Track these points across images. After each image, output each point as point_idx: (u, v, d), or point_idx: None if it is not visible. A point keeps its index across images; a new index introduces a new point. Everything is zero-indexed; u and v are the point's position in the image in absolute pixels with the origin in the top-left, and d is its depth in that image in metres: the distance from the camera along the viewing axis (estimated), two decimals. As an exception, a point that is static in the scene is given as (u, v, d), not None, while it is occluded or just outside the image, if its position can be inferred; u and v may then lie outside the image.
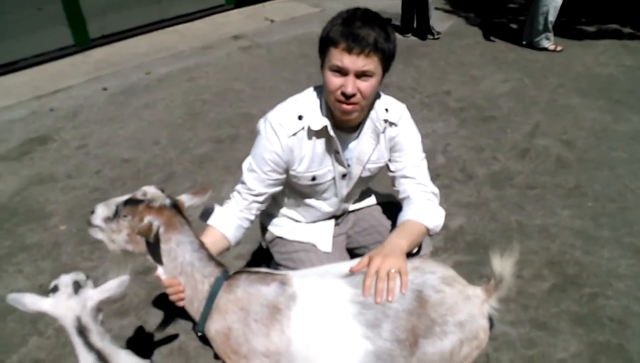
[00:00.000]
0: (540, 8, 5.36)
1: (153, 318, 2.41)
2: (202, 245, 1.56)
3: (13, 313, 2.48)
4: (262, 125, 1.76)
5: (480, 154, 3.73)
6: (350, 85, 1.55)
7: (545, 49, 5.56)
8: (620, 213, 3.02)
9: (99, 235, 1.56)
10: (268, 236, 2.08)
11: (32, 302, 1.53)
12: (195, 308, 1.54)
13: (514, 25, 6.53)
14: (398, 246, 1.58)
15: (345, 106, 1.61)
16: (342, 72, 1.55)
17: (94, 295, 1.58)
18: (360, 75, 1.55)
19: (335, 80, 1.57)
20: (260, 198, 1.80)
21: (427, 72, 5.22)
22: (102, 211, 1.54)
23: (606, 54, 5.53)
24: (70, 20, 5.82)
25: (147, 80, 5.21)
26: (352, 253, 2.15)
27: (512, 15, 6.95)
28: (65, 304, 1.55)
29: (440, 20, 6.50)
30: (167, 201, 1.54)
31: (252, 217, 1.84)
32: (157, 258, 1.52)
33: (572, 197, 3.19)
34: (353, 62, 1.53)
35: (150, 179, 3.55)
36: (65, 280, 1.57)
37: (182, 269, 1.52)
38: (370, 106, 1.74)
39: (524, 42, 5.73)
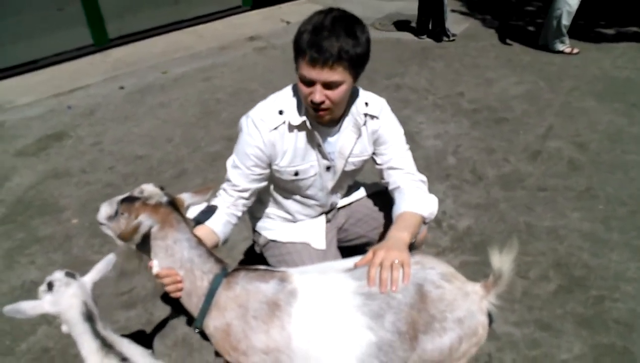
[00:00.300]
0: (554, 12, 5.31)
1: (159, 310, 2.44)
2: (200, 242, 1.57)
3: (24, 303, 2.54)
4: (244, 121, 1.79)
5: (492, 155, 3.71)
6: (318, 94, 1.59)
7: (561, 52, 5.51)
8: (631, 217, 2.98)
9: (107, 232, 1.59)
10: (261, 240, 2.10)
11: (31, 307, 1.56)
12: (194, 304, 1.56)
13: (531, 28, 6.47)
14: (400, 239, 1.60)
15: (317, 113, 1.65)
16: (309, 82, 1.59)
17: (88, 279, 1.63)
18: (328, 85, 1.58)
19: (304, 89, 1.61)
20: (246, 194, 1.83)
21: (441, 73, 5.20)
22: (105, 210, 1.57)
23: (624, 57, 5.45)
24: (89, 20, 5.92)
25: (164, 79, 5.28)
26: (351, 246, 2.18)
27: (530, 18, 6.90)
28: (68, 293, 1.59)
29: (456, 23, 6.48)
30: (164, 199, 1.54)
31: (239, 214, 1.86)
32: (153, 255, 1.54)
33: (582, 199, 3.16)
34: (318, 74, 1.55)
35: (163, 176, 3.60)
36: (58, 275, 1.61)
37: (181, 265, 1.53)
38: (350, 102, 1.77)
39: (540, 43, 5.69)
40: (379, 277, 1.46)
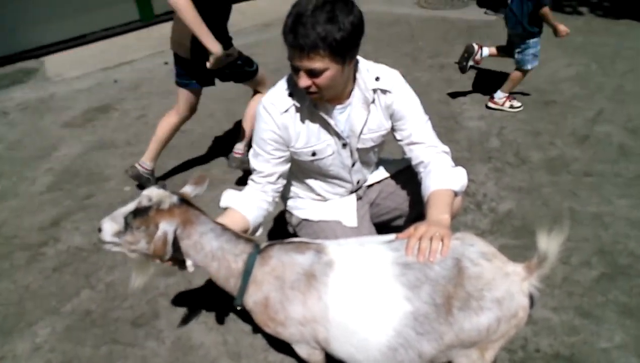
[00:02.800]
0: None
1: (198, 279, 2.50)
2: (224, 228, 1.59)
3: (70, 266, 2.65)
4: (258, 109, 1.81)
5: (537, 138, 3.60)
6: (302, 80, 1.59)
7: None
8: (683, 206, 2.84)
9: (115, 249, 1.57)
10: (294, 220, 2.13)
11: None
12: (232, 285, 1.59)
13: (582, 9, 6.20)
14: (442, 220, 1.59)
15: (309, 96, 1.67)
16: (294, 68, 1.60)
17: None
18: (311, 72, 1.57)
19: (293, 74, 1.64)
20: (272, 179, 1.85)
21: (487, 54, 5.06)
22: (110, 227, 1.53)
23: (684, 39, 5.17)
24: (136, -4, 6.04)
25: (207, 55, 5.33)
26: (385, 220, 2.18)
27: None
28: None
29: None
30: (175, 198, 1.53)
31: (270, 199, 1.88)
32: (185, 255, 1.55)
33: (632, 186, 3.03)
34: (299, 61, 1.55)
35: (203, 150, 3.66)
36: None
37: (213, 256, 1.55)
38: (357, 77, 1.76)
39: None
40: (417, 248, 1.45)
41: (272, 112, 1.76)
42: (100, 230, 1.55)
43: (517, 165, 3.31)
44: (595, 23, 5.67)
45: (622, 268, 2.44)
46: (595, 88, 4.28)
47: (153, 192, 1.53)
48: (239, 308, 1.61)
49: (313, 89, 1.62)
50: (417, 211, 2.04)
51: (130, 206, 1.53)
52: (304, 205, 2.09)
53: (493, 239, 2.65)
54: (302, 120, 1.79)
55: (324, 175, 1.97)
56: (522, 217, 2.84)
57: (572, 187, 3.06)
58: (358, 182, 2.06)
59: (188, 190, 1.65)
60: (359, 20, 1.57)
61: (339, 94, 1.76)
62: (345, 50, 1.56)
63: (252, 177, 1.88)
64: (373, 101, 1.81)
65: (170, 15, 6.41)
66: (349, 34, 1.53)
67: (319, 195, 2.05)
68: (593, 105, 3.99)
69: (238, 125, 3.96)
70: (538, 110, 3.98)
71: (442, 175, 1.75)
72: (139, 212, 1.50)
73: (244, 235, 1.64)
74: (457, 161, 1.90)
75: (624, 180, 3.10)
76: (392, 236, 1.56)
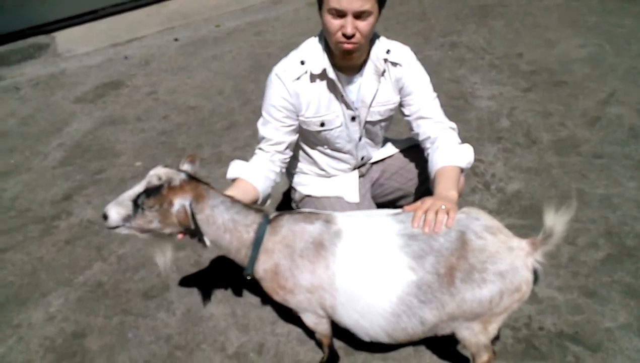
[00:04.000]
0: None
1: (208, 252, 2.54)
2: (234, 200, 1.61)
3: (82, 239, 2.70)
4: (269, 77, 1.83)
5: (548, 119, 3.58)
6: (350, 25, 1.60)
7: None
8: (693, 189, 2.83)
9: (125, 232, 1.55)
10: (297, 196, 2.15)
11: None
12: (243, 255, 1.62)
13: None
14: (449, 196, 1.62)
15: (346, 45, 1.66)
16: (340, 14, 1.59)
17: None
18: (358, 15, 1.59)
19: (334, 22, 1.62)
20: (280, 148, 1.86)
21: (500, 32, 5.00)
22: (117, 212, 1.51)
23: (701, 21, 5.07)
24: (147, -29, 6.01)
25: (217, 32, 5.32)
26: (389, 200, 2.21)
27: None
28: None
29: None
30: (183, 175, 1.54)
31: (277, 169, 1.90)
32: (199, 229, 1.55)
33: (641, 168, 3.03)
34: (350, 3, 1.57)
35: (214, 127, 3.68)
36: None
37: (225, 228, 1.57)
38: (370, 48, 1.79)
39: None
40: (423, 219, 1.48)
41: (285, 79, 1.78)
42: (105, 217, 1.52)
43: (527, 146, 3.30)
44: (611, 3, 5.56)
45: (629, 249, 2.44)
46: (607, 69, 4.22)
47: (161, 171, 1.54)
48: (248, 277, 1.65)
49: (356, 38, 1.64)
50: (421, 191, 2.07)
51: (137, 188, 1.52)
52: (308, 181, 2.11)
53: (500, 219, 2.61)
54: (314, 89, 1.80)
55: (330, 148, 1.98)
56: (531, 197, 2.84)
57: (582, 168, 3.06)
58: (362, 159, 2.08)
59: (187, 167, 1.66)
60: None
61: (359, 59, 1.78)
62: None
63: (261, 145, 1.89)
64: (383, 73, 1.83)
65: (180, -9, 6.40)
66: None
67: (322, 170, 2.07)
68: (604, 87, 3.94)
69: (247, 102, 3.97)
70: (548, 91, 3.94)
71: (449, 151, 1.76)
72: (152, 191, 1.50)
73: (254, 206, 1.67)
74: (467, 141, 1.91)
75: (633, 163, 3.08)
76: (399, 209, 1.60)
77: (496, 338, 1.97)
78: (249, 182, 1.81)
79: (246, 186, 1.80)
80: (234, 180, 1.84)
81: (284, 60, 1.83)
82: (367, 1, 1.58)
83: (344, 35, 1.62)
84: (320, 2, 1.66)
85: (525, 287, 1.46)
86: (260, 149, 1.90)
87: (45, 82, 4.59)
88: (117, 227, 1.53)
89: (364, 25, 1.62)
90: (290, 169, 2.15)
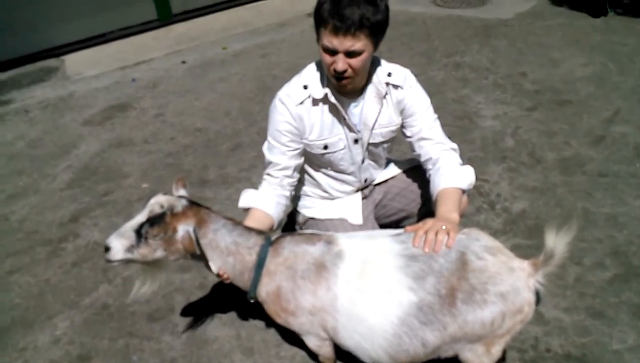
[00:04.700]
0: None
1: (213, 275, 2.53)
2: (235, 222, 1.63)
3: (88, 261, 2.72)
4: (273, 102, 1.86)
5: (552, 138, 3.58)
6: (340, 63, 1.62)
7: None
8: (700, 208, 2.82)
9: (130, 256, 1.54)
10: (301, 219, 2.17)
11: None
12: (246, 278, 1.63)
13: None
14: (450, 217, 1.63)
15: (339, 82, 1.69)
16: (331, 51, 1.62)
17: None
18: (350, 53, 1.61)
19: (327, 58, 1.65)
20: (288, 172, 1.88)
21: (503, 52, 5.03)
22: (120, 243, 1.51)
23: None
24: (155, -5, 6.11)
25: (223, 55, 5.39)
26: (392, 221, 2.22)
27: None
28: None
29: (523, 0, 6.23)
30: (184, 201, 1.56)
31: (287, 193, 1.92)
32: (204, 254, 1.56)
33: (647, 187, 3.01)
34: (341, 43, 1.58)
35: (220, 148, 3.71)
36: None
37: (227, 251, 1.59)
38: (372, 71, 1.81)
39: None
40: (424, 239, 1.49)
41: (288, 104, 1.80)
42: (107, 249, 1.51)
43: (532, 165, 3.30)
44: (614, 22, 5.59)
45: (636, 269, 2.43)
46: (612, 88, 4.23)
47: (162, 199, 1.55)
48: (252, 300, 1.65)
49: (349, 73, 1.66)
50: (424, 211, 2.08)
51: (139, 218, 1.52)
52: (311, 203, 2.13)
53: (506, 239, 2.65)
54: (317, 112, 1.83)
55: (333, 170, 2.00)
56: (536, 217, 2.83)
57: (587, 187, 3.05)
58: (366, 181, 2.09)
59: (182, 192, 1.67)
60: (388, 5, 1.65)
61: (358, 85, 1.80)
62: (380, 32, 1.65)
63: (269, 171, 1.91)
64: (385, 96, 1.86)
65: (187, 14, 6.50)
66: (384, 17, 1.63)
67: (326, 192, 2.08)
68: (609, 105, 3.95)
69: (253, 123, 4.01)
70: (553, 110, 3.95)
71: (451, 173, 1.78)
72: (155, 220, 1.51)
73: (255, 228, 1.68)
74: (471, 160, 1.93)
75: (639, 181, 3.07)
76: (400, 230, 1.60)
77: (502, 360, 1.94)
78: (262, 211, 1.83)
79: (260, 215, 1.82)
80: (246, 209, 1.86)
81: (287, 86, 1.86)
82: (358, 41, 1.59)
83: (335, 71, 1.65)
84: (317, 34, 1.69)
85: (527, 309, 1.46)
86: (268, 174, 1.91)
87: (54, 105, 4.66)
88: (117, 260, 1.52)
89: (355, 62, 1.64)
90: (295, 192, 2.17)
